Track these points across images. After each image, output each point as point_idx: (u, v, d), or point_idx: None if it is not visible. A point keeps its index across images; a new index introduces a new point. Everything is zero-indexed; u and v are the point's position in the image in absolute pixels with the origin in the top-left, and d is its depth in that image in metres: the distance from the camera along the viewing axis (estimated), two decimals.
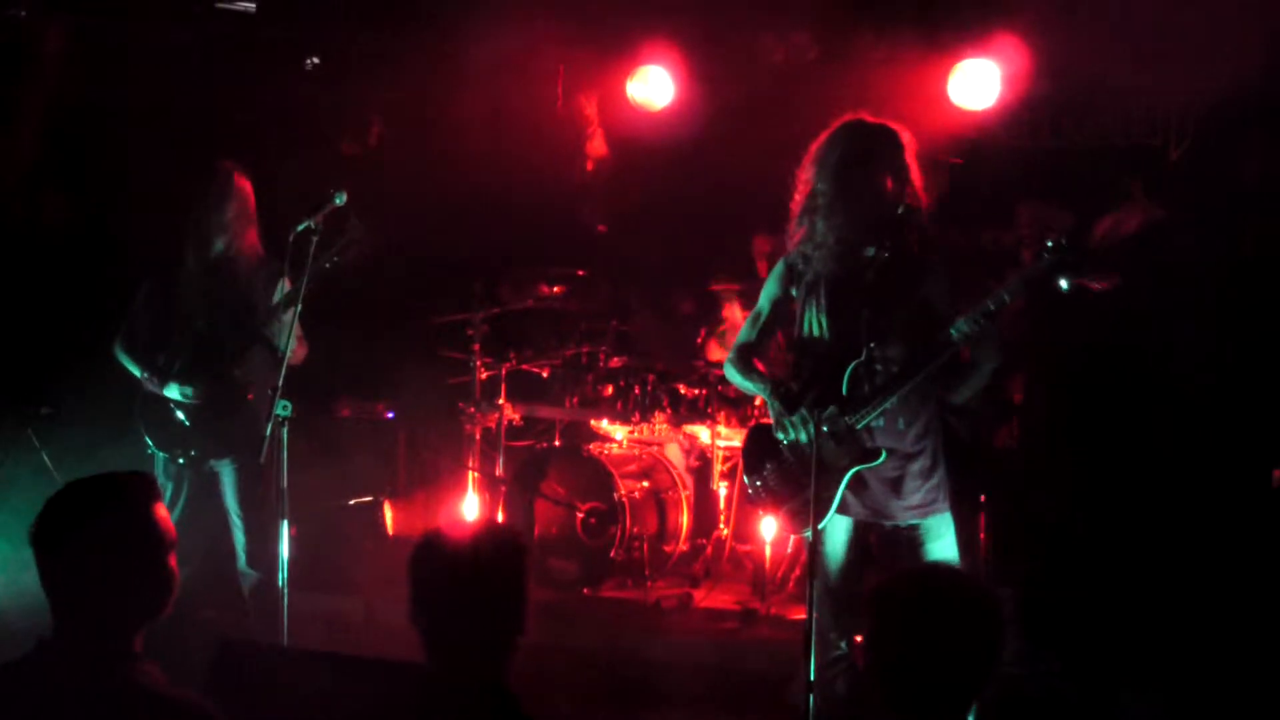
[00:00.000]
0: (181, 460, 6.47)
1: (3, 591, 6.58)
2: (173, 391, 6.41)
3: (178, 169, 7.06)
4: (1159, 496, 6.89)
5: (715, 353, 8.82)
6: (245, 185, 6.57)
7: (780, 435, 5.24)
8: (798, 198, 5.30)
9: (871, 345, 4.96)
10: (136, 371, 6.53)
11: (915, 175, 5.13)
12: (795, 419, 5.12)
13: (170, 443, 6.49)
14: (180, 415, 6.45)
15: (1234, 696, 5.76)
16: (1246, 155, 7.29)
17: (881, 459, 5.01)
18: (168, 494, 6.45)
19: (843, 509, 5.12)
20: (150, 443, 6.52)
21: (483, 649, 3.21)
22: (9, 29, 8.30)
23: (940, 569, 3.44)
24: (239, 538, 6.56)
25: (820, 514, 4.96)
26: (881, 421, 5.03)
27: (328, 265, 5.97)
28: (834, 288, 5.16)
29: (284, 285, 6.36)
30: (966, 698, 3.03)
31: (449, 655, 3.21)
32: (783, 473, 5.30)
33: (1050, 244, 4.83)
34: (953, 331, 4.87)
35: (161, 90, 8.40)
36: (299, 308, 5.74)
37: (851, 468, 5.04)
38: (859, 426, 5.03)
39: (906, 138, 5.15)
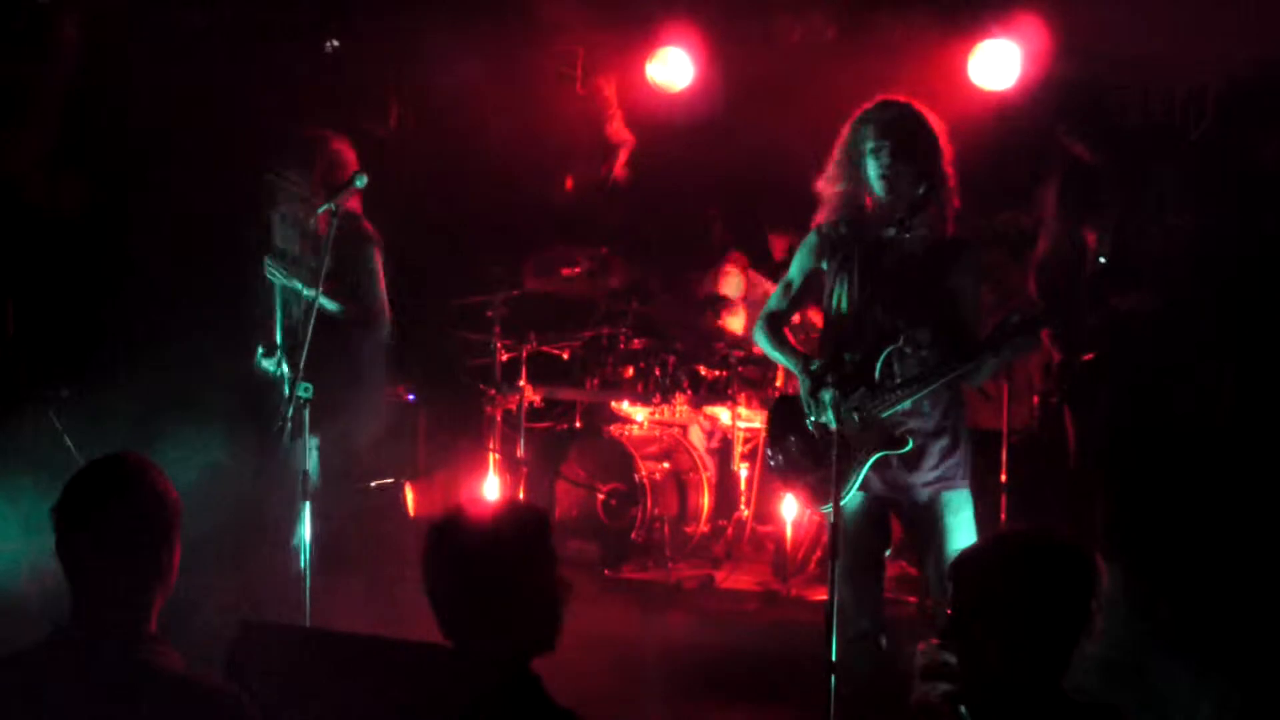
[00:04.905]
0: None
1: (26, 576, 6.61)
2: (271, 365, 6.33)
3: (196, 152, 7.07)
4: (1174, 480, 6.87)
5: (731, 323, 8.83)
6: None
7: (807, 412, 5.24)
8: (830, 174, 5.31)
9: (900, 323, 4.97)
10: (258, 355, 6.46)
11: (944, 154, 5.14)
12: (823, 399, 5.08)
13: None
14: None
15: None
16: (1267, 135, 7.25)
17: (909, 447, 5.01)
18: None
19: (863, 485, 5.11)
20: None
21: (505, 632, 3.13)
22: (28, 13, 8.32)
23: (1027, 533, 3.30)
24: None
25: (841, 492, 4.95)
26: (908, 404, 5.04)
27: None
28: (864, 266, 5.15)
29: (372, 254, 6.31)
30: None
31: (470, 638, 3.14)
32: (805, 447, 5.28)
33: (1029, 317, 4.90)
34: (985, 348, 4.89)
35: (180, 74, 8.41)
36: (319, 291, 5.69)
37: (876, 453, 5.04)
38: (884, 415, 5.03)
39: (934, 117, 5.17)
